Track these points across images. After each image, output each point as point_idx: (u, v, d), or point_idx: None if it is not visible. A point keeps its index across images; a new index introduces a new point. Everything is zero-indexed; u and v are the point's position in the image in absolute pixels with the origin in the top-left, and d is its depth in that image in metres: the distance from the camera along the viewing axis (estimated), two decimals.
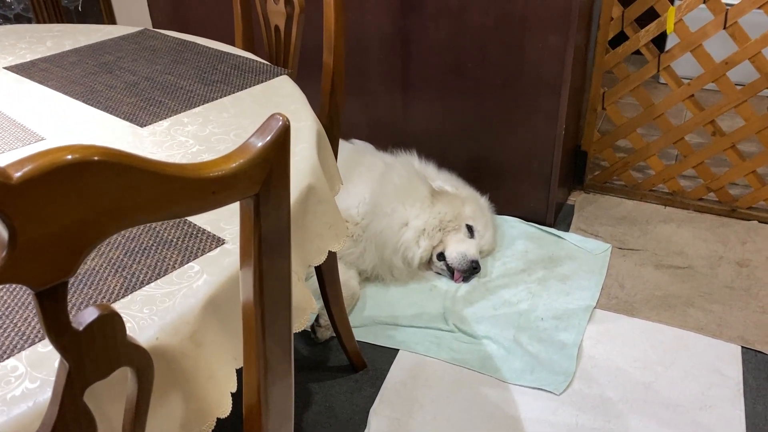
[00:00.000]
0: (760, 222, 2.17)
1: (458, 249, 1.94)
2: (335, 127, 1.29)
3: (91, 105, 1.12)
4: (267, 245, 0.50)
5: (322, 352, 1.73)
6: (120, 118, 1.08)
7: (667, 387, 1.58)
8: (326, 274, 1.50)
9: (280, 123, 0.47)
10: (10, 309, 0.66)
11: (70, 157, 0.38)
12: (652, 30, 2.07)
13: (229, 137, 1.01)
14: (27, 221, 0.37)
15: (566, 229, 2.19)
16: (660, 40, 2.81)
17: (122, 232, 0.78)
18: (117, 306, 0.65)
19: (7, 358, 0.60)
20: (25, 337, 0.63)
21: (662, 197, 2.29)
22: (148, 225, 0.80)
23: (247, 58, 1.31)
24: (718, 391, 1.57)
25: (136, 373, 0.47)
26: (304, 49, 1.44)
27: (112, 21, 2.67)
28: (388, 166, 2.01)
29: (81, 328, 0.42)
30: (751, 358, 1.66)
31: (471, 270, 1.93)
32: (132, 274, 0.71)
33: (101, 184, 0.39)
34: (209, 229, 0.79)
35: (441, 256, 1.96)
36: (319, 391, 1.61)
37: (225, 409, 0.68)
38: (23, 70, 1.28)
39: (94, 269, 0.72)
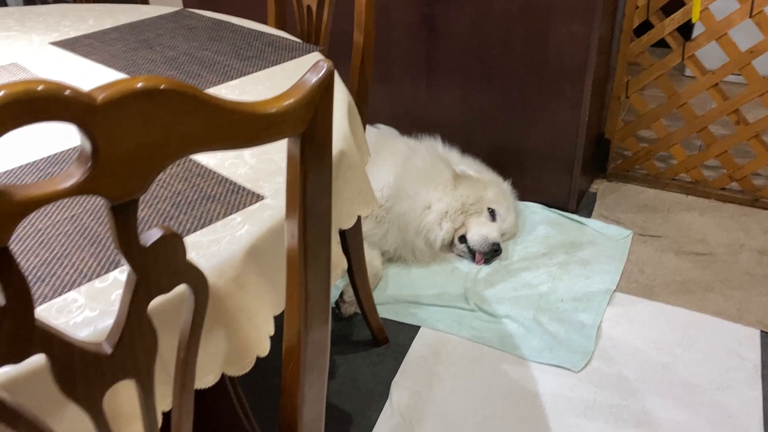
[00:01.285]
0: None
1: (480, 232, 1.97)
2: (363, 103, 1.34)
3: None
4: (310, 182, 0.54)
5: (346, 327, 1.78)
6: None
7: (684, 368, 1.61)
8: (352, 252, 1.55)
9: (326, 68, 0.52)
10: (67, 252, 0.71)
11: (140, 84, 0.42)
12: (677, 18, 2.08)
13: None
14: (107, 139, 0.42)
15: (588, 215, 2.21)
16: (685, 30, 2.81)
17: (168, 187, 0.84)
18: None
19: (68, 291, 0.66)
20: (83, 275, 0.68)
21: (684, 186, 2.30)
22: (192, 182, 0.85)
23: (280, 37, 1.36)
24: (735, 373, 1.59)
25: (193, 292, 0.52)
26: (333, 32, 1.49)
27: (145, 2, 2.74)
28: (412, 150, 2.05)
29: (147, 245, 0.47)
30: None
31: (492, 252, 1.96)
32: (180, 223, 0.76)
33: (169, 111, 0.44)
34: (249, 187, 0.84)
35: (463, 239, 2.00)
36: (343, 363, 1.66)
37: (264, 348, 0.73)
38: (68, 45, 1.34)
39: (144, 219, 0.77)
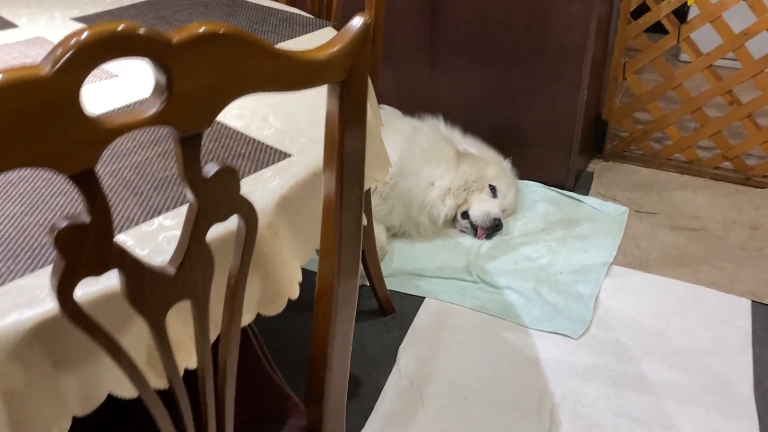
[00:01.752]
0: None
1: (482, 207, 2.03)
2: (374, 76, 1.39)
3: None
4: (347, 124, 0.60)
5: None
6: None
7: (679, 335, 1.68)
8: None
9: (363, 20, 0.57)
10: (112, 202, 0.77)
11: (204, 28, 0.48)
12: (673, 2, 2.14)
13: (286, 94, 1.11)
14: (181, 75, 0.47)
15: (585, 194, 2.28)
16: (681, 15, 2.88)
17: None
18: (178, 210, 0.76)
19: (118, 233, 0.71)
20: (130, 220, 0.74)
21: (679, 165, 2.37)
22: (222, 143, 0.91)
23: (294, 13, 1.41)
24: (728, 339, 1.66)
25: (245, 223, 0.58)
26: (345, 15, 1.54)
27: None
28: (416, 130, 2.11)
29: (208, 176, 0.53)
30: (760, 311, 1.75)
31: (493, 227, 2.03)
32: None
33: (231, 53, 0.49)
34: (276, 146, 0.90)
35: (465, 215, 2.06)
36: None
37: (295, 291, 0.79)
38: (89, 20, 1.39)
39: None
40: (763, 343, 1.65)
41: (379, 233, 1.99)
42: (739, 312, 1.75)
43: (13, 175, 0.84)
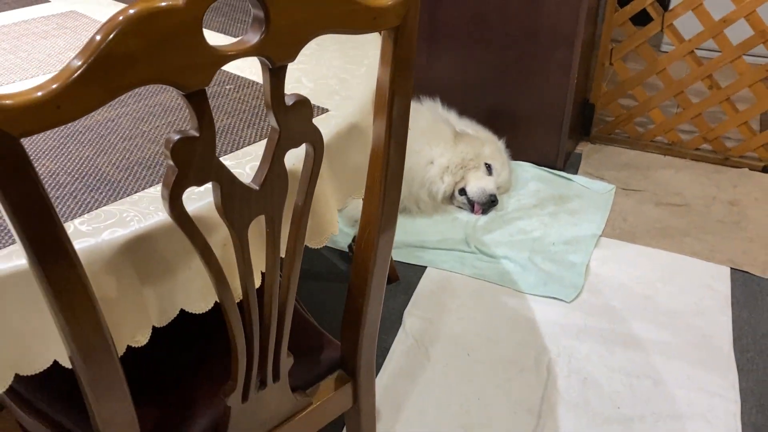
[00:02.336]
0: (750, 169, 2.39)
1: (478, 184, 2.14)
2: None
3: None
4: (399, 66, 0.70)
5: None
6: (214, 31, 1.27)
7: (664, 299, 1.80)
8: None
9: None
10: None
11: None
12: None
13: (314, 61, 1.21)
14: (276, 12, 0.57)
15: (574, 173, 2.40)
16: (665, 5, 3.02)
17: (244, 104, 0.98)
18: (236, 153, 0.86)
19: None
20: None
21: (662, 147, 2.50)
22: (243, 110, 1.00)
23: None
24: (709, 302, 1.79)
25: (313, 149, 0.67)
26: None
27: None
28: (415, 111, 2.21)
29: (290, 104, 0.62)
30: (738, 277, 1.88)
31: (489, 203, 2.14)
32: (259, 130, 0.91)
33: None
34: (313, 102, 0.99)
35: (462, 192, 2.17)
36: None
37: (335, 228, 0.89)
38: None
39: (227, 127, 0.92)
40: (740, 304, 1.78)
41: None
42: (719, 278, 1.88)
43: (80, 124, 0.92)
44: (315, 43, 1.23)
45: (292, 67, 1.11)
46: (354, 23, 0.63)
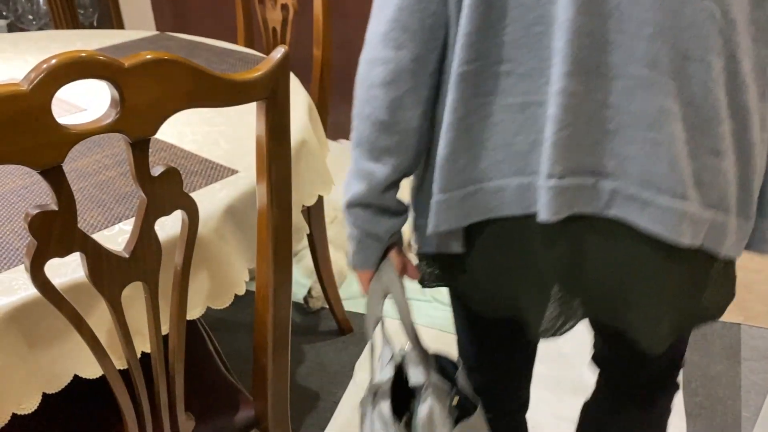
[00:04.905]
0: None
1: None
2: (324, 110, 1.53)
3: None
4: (274, 133, 0.73)
5: (314, 319, 1.95)
6: None
7: None
8: (319, 252, 1.73)
9: (283, 51, 0.71)
10: (85, 210, 0.89)
11: (149, 56, 0.61)
12: None
13: (233, 122, 1.25)
14: (131, 92, 0.60)
15: None
16: None
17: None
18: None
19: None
20: (93, 227, 0.85)
21: None
22: (177, 162, 1.03)
23: (249, 53, 1.55)
24: None
25: (187, 215, 0.70)
26: (298, 57, 1.69)
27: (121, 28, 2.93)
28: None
29: (156, 175, 0.65)
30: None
31: None
32: None
33: (172, 74, 0.62)
34: (224, 164, 1.02)
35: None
36: (311, 350, 1.82)
37: (241, 288, 0.91)
38: None
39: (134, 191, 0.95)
40: (691, 347, 1.78)
41: (339, 259, 2.10)
42: None
43: None
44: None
45: (211, 129, 1.15)
46: (217, 98, 0.66)
